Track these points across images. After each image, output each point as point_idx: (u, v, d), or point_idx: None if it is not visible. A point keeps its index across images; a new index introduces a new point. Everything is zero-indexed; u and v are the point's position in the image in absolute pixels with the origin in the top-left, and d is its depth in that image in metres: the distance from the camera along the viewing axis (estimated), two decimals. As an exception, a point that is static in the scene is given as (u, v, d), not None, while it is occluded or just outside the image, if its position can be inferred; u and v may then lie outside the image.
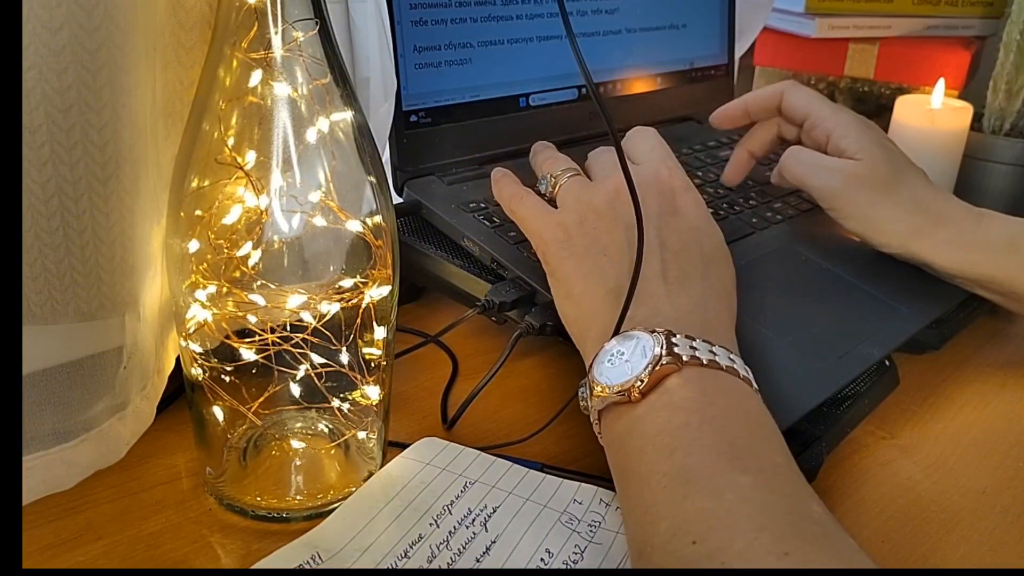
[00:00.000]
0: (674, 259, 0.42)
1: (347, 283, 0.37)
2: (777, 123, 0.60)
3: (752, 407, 0.36)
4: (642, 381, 0.35)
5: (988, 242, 0.52)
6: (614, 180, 0.43)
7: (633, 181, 0.39)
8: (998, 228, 0.52)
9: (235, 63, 0.34)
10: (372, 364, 0.39)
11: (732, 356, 0.37)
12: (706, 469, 0.32)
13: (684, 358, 0.36)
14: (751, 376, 0.37)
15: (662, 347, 0.36)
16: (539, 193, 0.47)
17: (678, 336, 0.37)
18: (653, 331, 0.37)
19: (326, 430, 0.42)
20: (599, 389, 0.37)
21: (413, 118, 0.55)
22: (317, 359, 0.37)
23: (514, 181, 0.49)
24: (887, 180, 0.53)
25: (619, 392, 0.36)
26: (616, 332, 0.38)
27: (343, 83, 0.36)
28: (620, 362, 0.37)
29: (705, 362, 0.36)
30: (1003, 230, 0.52)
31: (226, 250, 0.35)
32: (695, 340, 0.37)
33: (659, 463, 0.33)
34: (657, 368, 0.35)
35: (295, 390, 0.38)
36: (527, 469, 0.41)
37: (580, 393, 0.40)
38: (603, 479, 0.40)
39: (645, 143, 0.48)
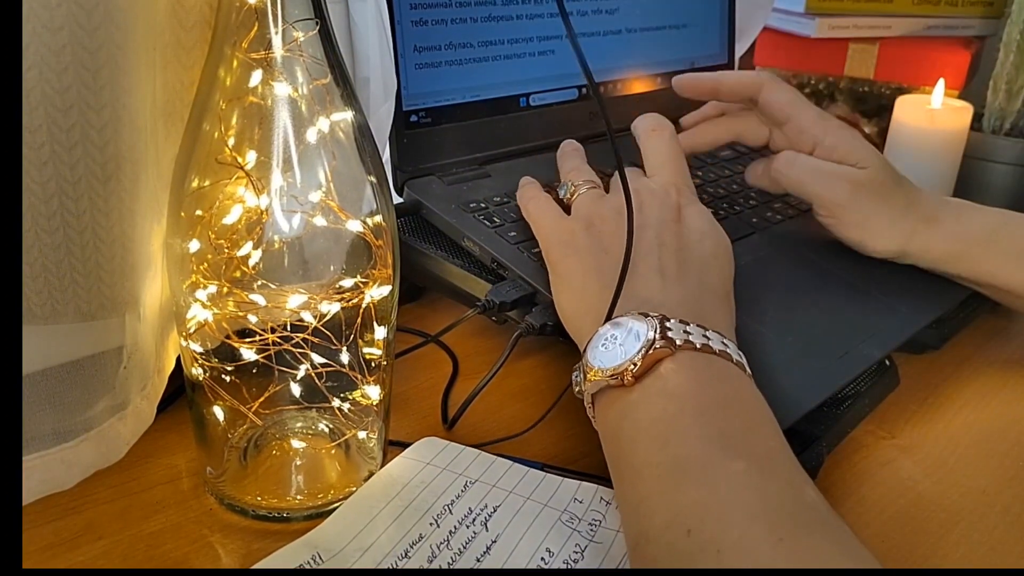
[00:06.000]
0: (672, 257, 0.42)
1: (347, 283, 0.37)
2: (736, 124, 0.57)
3: (745, 392, 0.36)
4: (635, 364, 0.35)
5: (969, 235, 0.53)
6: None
7: (630, 190, 0.40)
8: (978, 220, 0.53)
9: (235, 63, 0.34)
10: (372, 364, 0.39)
11: (725, 341, 0.37)
12: (699, 459, 0.32)
13: (678, 342, 0.36)
14: (744, 361, 0.38)
15: (656, 331, 0.36)
16: (558, 199, 0.49)
17: (672, 321, 0.37)
18: (647, 316, 0.37)
19: (326, 430, 0.42)
20: (592, 372, 0.37)
21: (413, 118, 0.55)
22: (317, 359, 0.37)
23: (536, 186, 0.51)
24: (888, 186, 0.53)
25: (612, 376, 0.36)
26: (609, 316, 0.39)
27: (343, 83, 0.36)
28: (614, 346, 0.37)
29: (699, 346, 0.36)
30: (982, 222, 0.53)
31: (226, 250, 0.35)
32: (689, 325, 0.37)
33: (652, 454, 0.34)
34: (651, 352, 0.35)
35: (295, 390, 0.38)
36: (527, 468, 0.41)
37: (574, 378, 0.40)
38: (603, 478, 0.40)
39: (660, 153, 0.50)
